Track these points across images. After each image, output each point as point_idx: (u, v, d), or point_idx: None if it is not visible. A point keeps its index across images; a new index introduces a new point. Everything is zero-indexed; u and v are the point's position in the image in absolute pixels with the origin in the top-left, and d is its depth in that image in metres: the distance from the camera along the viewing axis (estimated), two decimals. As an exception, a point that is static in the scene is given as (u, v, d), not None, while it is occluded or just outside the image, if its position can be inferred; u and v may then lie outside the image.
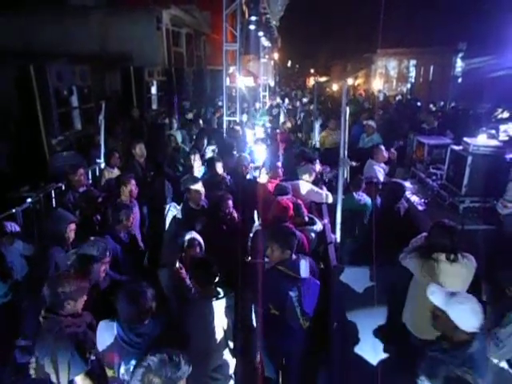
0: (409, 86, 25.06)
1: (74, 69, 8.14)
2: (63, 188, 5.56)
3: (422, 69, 24.54)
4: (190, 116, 11.45)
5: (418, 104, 14.62)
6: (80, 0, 14.29)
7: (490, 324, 2.96)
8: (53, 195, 5.59)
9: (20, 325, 3.57)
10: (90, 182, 6.11)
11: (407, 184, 5.96)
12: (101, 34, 13.51)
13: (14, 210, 4.70)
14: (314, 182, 5.22)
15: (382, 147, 6.21)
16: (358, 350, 3.59)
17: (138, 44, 13.48)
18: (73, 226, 3.58)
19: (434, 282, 3.12)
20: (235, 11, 9.03)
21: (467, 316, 2.31)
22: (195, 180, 4.36)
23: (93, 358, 2.51)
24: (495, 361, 2.94)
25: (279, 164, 5.79)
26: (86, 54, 11.58)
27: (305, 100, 16.34)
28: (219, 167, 5.42)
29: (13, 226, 3.92)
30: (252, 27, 10.90)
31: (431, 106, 12.73)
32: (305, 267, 3.05)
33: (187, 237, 3.50)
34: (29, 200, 5.01)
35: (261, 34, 14.66)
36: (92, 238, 3.19)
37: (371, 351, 3.58)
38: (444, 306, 2.39)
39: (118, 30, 13.43)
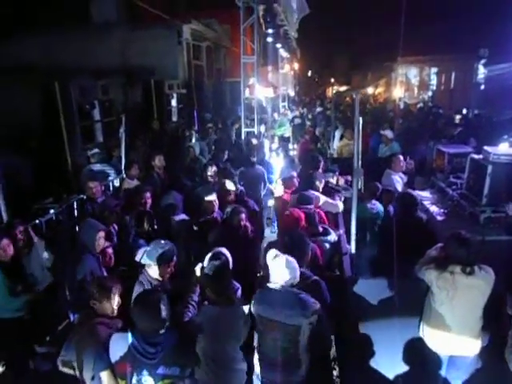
0: (430, 93, 24.68)
1: (96, 84, 8.41)
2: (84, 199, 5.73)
3: (443, 76, 24.15)
4: (209, 127, 11.64)
5: (440, 111, 14.37)
6: (103, 17, 14.81)
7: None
8: (75, 206, 5.77)
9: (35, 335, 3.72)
10: (110, 192, 6.26)
11: (426, 194, 5.86)
12: (123, 49, 13.93)
13: (37, 221, 4.88)
14: (327, 192, 5.20)
15: (400, 156, 6.13)
16: (373, 363, 3.52)
17: (160, 58, 13.82)
18: (102, 234, 3.73)
19: (449, 294, 3.06)
20: (253, 24, 9.18)
21: None
22: (209, 191, 4.41)
23: None
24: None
25: (294, 174, 5.78)
26: (108, 68, 11.94)
27: (318, 109, 16.27)
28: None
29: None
30: (269, 40, 11.01)
31: (456, 116, 12.27)
32: None
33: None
34: (52, 211, 5.18)
35: (279, 45, 14.78)
36: (162, 242, 3.26)
37: (387, 364, 3.51)
38: None
39: (139, 44, 13.82)
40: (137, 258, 3.19)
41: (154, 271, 3.18)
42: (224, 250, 3.22)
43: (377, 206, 4.87)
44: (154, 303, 2.42)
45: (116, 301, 2.79)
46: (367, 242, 4.61)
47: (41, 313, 3.85)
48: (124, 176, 6.54)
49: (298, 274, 2.95)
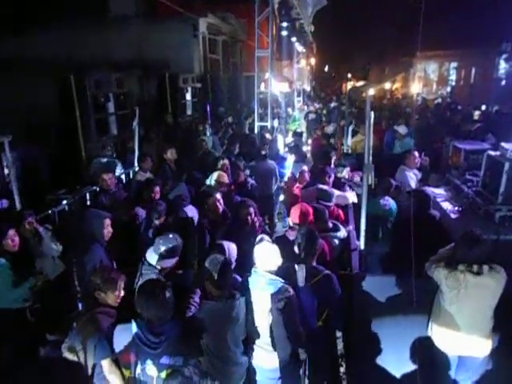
0: (449, 89, 24.19)
1: (111, 77, 8.48)
2: (97, 190, 5.81)
3: (463, 71, 23.65)
4: (226, 121, 11.65)
5: (459, 108, 14.05)
6: (121, 10, 14.92)
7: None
8: (87, 197, 5.85)
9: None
10: (122, 184, 6.32)
11: (440, 191, 5.75)
12: (139, 42, 14.01)
13: (50, 212, 4.97)
14: (336, 184, 5.16)
15: (415, 153, 6.02)
16: (379, 360, 3.49)
17: (176, 51, 13.87)
18: (108, 222, 3.76)
19: (459, 293, 3.00)
20: (268, 18, 9.11)
21: None
22: (213, 192, 4.37)
23: None
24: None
25: (305, 168, 5.74)
26: (124, 61, 12.05)
27: (333, 105, 16.10)
28: (242, 174, 5.45)
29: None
30: (284, 33, 10.92)
31: (475, 112, 11.97)
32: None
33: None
34: (64, 202, 5.27)
35: (294, 39, 14.66)
36: (170, 235, 3.30)
37: (394, 362, 3.47)
38: None
39: (155, 38, 13.88)
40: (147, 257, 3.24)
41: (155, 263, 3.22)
42: (227, 243, 3.21)
43: (389, 203, 4.78)
44: (160, 291, 2.45)
45: (121, 292, 2.82)
46: (379, 238, 4.54)
47: (51, 302, 3.92)
48: (137, 168, 6.61)
49: (279, 261, 3.07)
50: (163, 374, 2.42)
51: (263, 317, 2.97)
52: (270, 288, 2.92)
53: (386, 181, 5.04)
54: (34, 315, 3.82)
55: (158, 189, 4.77)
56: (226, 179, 5.10)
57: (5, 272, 3.56)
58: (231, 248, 3.30)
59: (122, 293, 2.83)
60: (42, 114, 7.71)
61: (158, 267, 3.21)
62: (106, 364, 2.55)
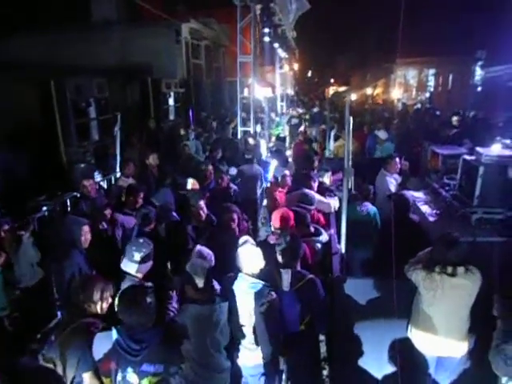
0: (428, 94, 24.73)
1: (92, 82, 8.42)
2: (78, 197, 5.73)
3: (441, 77, 24.22)
4: (210, 126, 11.64)
5: (437, 113, 14.37)
6: (103, 15, 14.81)
7: (500, 340, 2.87)
8: (68, 204, 5.77)
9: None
10: (104, 191, 6.25)
11: (419, 194, 5.87)
12: (122, 48, 13.93)
13: (29, 218, 4.87)
14: (321, 192, 5.21)
15: (396, 158, 6.12)
16: (361, 362, 3.53)
17: (158, 57, 13.83)
18: (86, 228, 3.73)
19: (436, 295, 3.07)
20: (251, 23, 9.18)
21: None
22: (196, 198, 4.34)
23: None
24: (504, 379, 2.84)
25: (287, 172, 5.78)
26: (107, 67, 11.95)
27: (315, 109, 16.28)
28: (225, 179, 5.47)
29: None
30: (266, 39, 11.02)
31: (453, 117, 12.22)
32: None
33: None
34: (44, 208, 5.18)
35: (276, 45, 14.79)
36: (140, 240, 3.27)
37: (375, 364, 3.52)
38: None
39: (138, 43, 13.83)
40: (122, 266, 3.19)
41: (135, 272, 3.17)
42: (206, 249, 3.23)
43: (367, 208, 4.87)
44: (141, 297, 2.43)
45: (108, 301, 2.75)
46: (358, 242, 4.61)
47: (30, 310, 3.85)
48: (119, 174, 6.56)
49: (261, 263, 3.12)
50: (144, 382, 2.41)
51: (247, 317, 3.02)
52: (252, 291, 2.96)
53: (364, 188, 5.14)
54: (12, 324, 3.74)
55: (142, 195, 4.74)
56: (197, 186, 5.14)
57: None
58: (209, 253, 3.32)
59: (110, 300, 2.77)
60: (22, 118, 7.60)
61: (139, 275, 3.16)
62: (87, 377, 2.51)
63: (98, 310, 2.72)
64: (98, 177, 6.74)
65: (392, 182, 5.92)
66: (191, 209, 4.27)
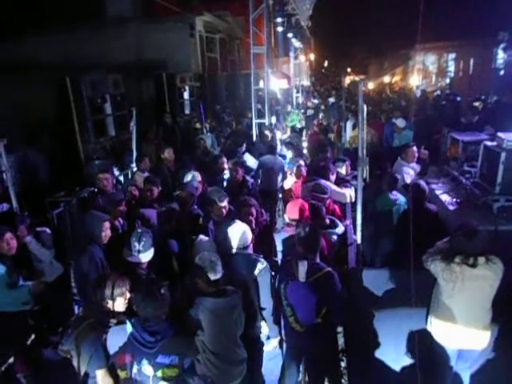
0: (448, 80, 24.05)
1: (108, 78, 8.49)
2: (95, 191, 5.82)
3: (461, 62, 23.53)
4: (227, 119, 11.62)
5: (458, 99, 13.97)
6: (118, 11, 14.92)
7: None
8: (86, 199, 5.85)
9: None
10: (121, 186, 6.32)
11: (439, 183, 5.73)
12: (137, 43, 14.04)
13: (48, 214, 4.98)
14: (337, 182, 5.14)
15: (413, 148, 5.94)
16: (378, 354, 3.49)
17: (173, 51, 13.88)
18: (107, 225, 3.77)
19: (456, 286, 2.98)
20: (263, 14, 9.08)
21: None
22: (221, 197, 4.23)
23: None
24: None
25: (302, 162, 5.71)
26: (122, 63, 12.06)
27: (331, 100, 16.04)
28: (239, 171, 5.44)
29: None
30: (280, 29, 10.88)
31: (476, 103, 11.92)
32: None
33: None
34: (62, 204, 5.28)
35: (290, 35, 14.61)
36: (139, 230, 3.39)
37: (393, 356, 3.46)
38: None
39: (153, 38, 13.91)
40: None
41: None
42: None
43: (398, 197, 4.75)
44: (156, 289, 2.45)
45: (122, 299, 2.76)
46: (388, 231, 4.52)
47: (51, 304, 3.93)
48: (135, 169, 6.62)
49: (250, 237, 3.35)
50: (159, 373, 2.43)
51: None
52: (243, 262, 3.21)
53: (389, 176, 4.99)
54: (34, 318, 3.83)
55: (157, 187, 4.77)
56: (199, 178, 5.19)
57: (2, 275, 3.57)
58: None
59: (128, 297, 2.78)
60: (40, 116, 7.74)
61: (143, 262, 3.30)
62: (99, 374, 2.55)
63: (115, 307, 2.73)
64: (116, 171, 6.81)
65: (408, 172, 5.74)
66: (212, 205, 4.21)
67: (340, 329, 4.00)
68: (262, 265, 3.25)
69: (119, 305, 2.74)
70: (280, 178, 6.66)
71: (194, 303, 2.79)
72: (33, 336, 4.04)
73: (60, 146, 7.60)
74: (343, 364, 4.03)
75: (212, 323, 2.77)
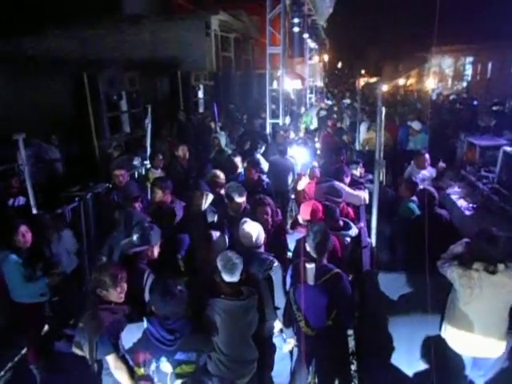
0: (465, 84, 23.74)
1: (124, 75, 8.56)
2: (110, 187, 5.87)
3: (479, 66, 23.20)
4: (239, 118, 11.62)
5: (475, 103, 13.78)
6: (134, 9, 15.04)
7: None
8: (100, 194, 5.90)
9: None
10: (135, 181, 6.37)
11: (455, 188, 5.66)
12: (152, 41, 14.13)
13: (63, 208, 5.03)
14: (352, 185, 5.09)
15: (425, 155, 5.74)
16: (390, 359, 3.44)
17: (188, 49, 13.94)
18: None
19: (473, 293, 2.93)
20: (280, 14, 9.06)
21: None
22: (241, 193, 4.22)
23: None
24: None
25: (316, 164, 5.68)
26: (138, 59, 12.16)
27: (347, 101, 15.93)
28: (252, 170, 5.42)
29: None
30: (296, 30, 10.84)
31: (494, 108, 11.72)
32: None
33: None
34: (77, 199, 5.33)
35: (306, 35, 14.55)
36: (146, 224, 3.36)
37: (405, 361, 3.42)
38: None
39: (168, 36, 13.98)
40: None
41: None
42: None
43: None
44: (174, 287, 2.46)
45: (123, 288, 2.78)
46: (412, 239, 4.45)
47: (68, 296, 3.99)
48: (148, 165, 6.66)
49: (262, 237, 3.35)
50: (177, 370, 2.44)
51: None
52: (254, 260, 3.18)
53: (409, 181, 4.90)
54: (52, 309, 3.89)
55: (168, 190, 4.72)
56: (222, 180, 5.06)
57: (15, 268, 3.62)
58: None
59: (125, 288, 2.79)
60: (57, 111, 7.84)
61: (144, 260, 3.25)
62: (110, 360, 2.57)
63: (114, 298, 2.74)
64: (136, 162, 6.86)
65: (420, 178, 5.63)
66: (232, 202, 4.21)
67: (350, 331, 3.97)
68: (273, 264, 3.25)
69: (115, 295, 2.74)
70: (290, 178, 6.64)
71: (208, 304, 2.77)
72: (46, 327, 4.12)
73: (75, 142, 7.68)
74: (353, 367, 4.01)
75: (225, 324, 2.76)
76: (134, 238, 3.20)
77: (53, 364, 3.86)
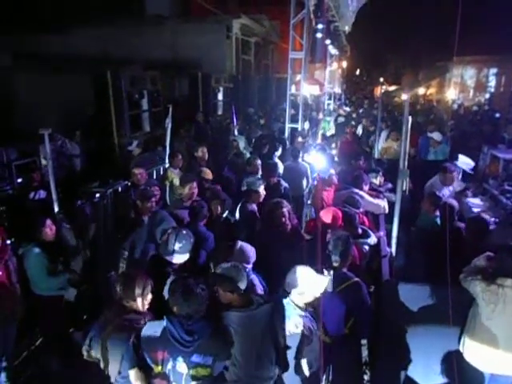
0: (487, 95, 23.38)
1: (146, 74, 8.66)
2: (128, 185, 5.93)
3: (503, 78, 22.83)
4: (256, 121, 11.64)
5: (497, 115, 13.56)
6: (156, 10, 15.21)
7: None
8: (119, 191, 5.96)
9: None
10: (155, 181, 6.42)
11: (476, 201, 5.56)
12: (173, 42, 14.25)
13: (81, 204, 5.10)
14: (371, 193, 5.05)
15: (454, 172, 5.46)
16: (406, 371, 3.38)
17: (208, 52, 14.01)
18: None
19: (496, 308, 2.87)
20: (303, 20, 9.07)
21: None
22: (259, 183, 4.41)
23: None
24: None
25: (333, 171, 5.64)
26: (158, 60, 12.27)
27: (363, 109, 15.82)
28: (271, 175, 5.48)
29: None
30: (319, 35, 10.83)
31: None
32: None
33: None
34: (97, 195, 5.39)
35: (328, 42, 14.54)
36: (184, 232, 3.31)
37: (420, 375, 3.36)
38: None
39: (189, 38, 14.08)
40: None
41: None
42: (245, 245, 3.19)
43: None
44: (195, 286, 2.45)
45: (148, 298, 2.72)
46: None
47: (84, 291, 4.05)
48: (167, 165, 6.70)
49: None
50: (193, 372, 2.42)
51: None
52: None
53: (433, 196, 4.79)
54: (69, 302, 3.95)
55: (195, 185, 4.78)
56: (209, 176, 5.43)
57: (39, 260, 3.67)
58: (249, 249, 3.26)
59: (150, 296, 2.74)
60: (79, 108, 7.96)
61: (175, 264, 3.23)
62: (132, 373, 2.53)
63: (139, 307, 2.68)
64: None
65: (442, 193, 5.45)
66: (251, 193, 4.39)
67: (364, 341, 3.92)
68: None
69: (144, 305, 2.70)
70: (305, 183, 6.62)
71: (220, 317, 2.65)
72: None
73: (96, 138, 7.78)
74: (366, 377, 3.95)
75: (241, 337, 2.63)
76: (177, 246, 3.17)
77: (68, 355, 3.89)
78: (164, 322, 2.45)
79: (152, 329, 2.48)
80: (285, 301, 2.82)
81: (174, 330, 2.41)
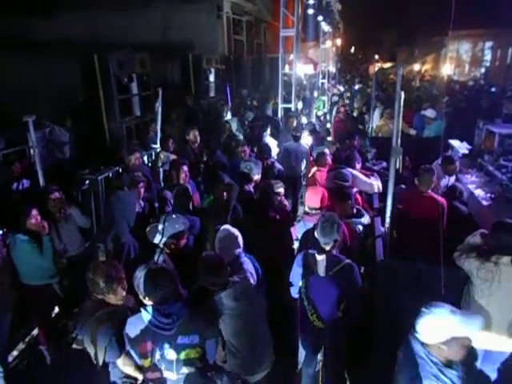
0: (483, 70, 23.12)
1: (134, 57, 8.43)
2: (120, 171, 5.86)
3: (498, 51, 22.53)
4: (250, 103, 11.47)
5: (493, 90, 13.41)
6: (145, -10, 14.78)
7: None
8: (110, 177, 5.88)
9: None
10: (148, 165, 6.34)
11: (472, 177, 5.50)
12: (163, 24, 13.92)
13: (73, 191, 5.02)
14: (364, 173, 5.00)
15: (456, 162, 5.14)
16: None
17: (199, 32, 13.71)
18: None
19: (491, 286, 2.84)
20: (294, -4, 8.81)
21: None
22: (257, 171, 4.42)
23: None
24: None
25: (327, 151, 5.56)
26: (148, 42, 12.00)
27: (357, 87, 15.65)
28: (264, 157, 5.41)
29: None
30: (310, 11, 10.55)
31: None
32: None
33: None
34: (87, 182, 5.32)
35: (320, 18, 14.22)
36: (174, 216, 3.31)
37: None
38: None
39: (179, 18, 13.75)
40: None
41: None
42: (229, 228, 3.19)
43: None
44: (163, 272, 2.46)
45: (121, 292, 2.65)
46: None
47: (77, 278, 3.99)
48: (159, 149, 6.60)
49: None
50: (182, 355, 2.40)
51: None
52: None
53: (453, 187, 4.70)
54: (62, 290, 3.91)
55: (186, 168, 4.74)
56: None
57: (23, 246, 3.63)
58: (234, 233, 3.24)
59: (124, 289, 2.67)
60: (67, 94, 7.79)
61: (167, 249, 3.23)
62: (120, 363, 2.53)
63: (113, 301, 2.63)
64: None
65: (444, 182, 5.32)
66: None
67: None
68: None
69: (113, 299, 2.63)
70: (304, 164, 6.56)
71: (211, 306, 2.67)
72: (57, 309, 4.14)
73: (85, 124, 7.63)
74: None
75: (228, 318, 2.68)
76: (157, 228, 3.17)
77: (63, 345, 3.89)
78: (141, 314, 2.42)
79: (133, 324, 2.45)
80: None
81: (153, 317, 2.39)
